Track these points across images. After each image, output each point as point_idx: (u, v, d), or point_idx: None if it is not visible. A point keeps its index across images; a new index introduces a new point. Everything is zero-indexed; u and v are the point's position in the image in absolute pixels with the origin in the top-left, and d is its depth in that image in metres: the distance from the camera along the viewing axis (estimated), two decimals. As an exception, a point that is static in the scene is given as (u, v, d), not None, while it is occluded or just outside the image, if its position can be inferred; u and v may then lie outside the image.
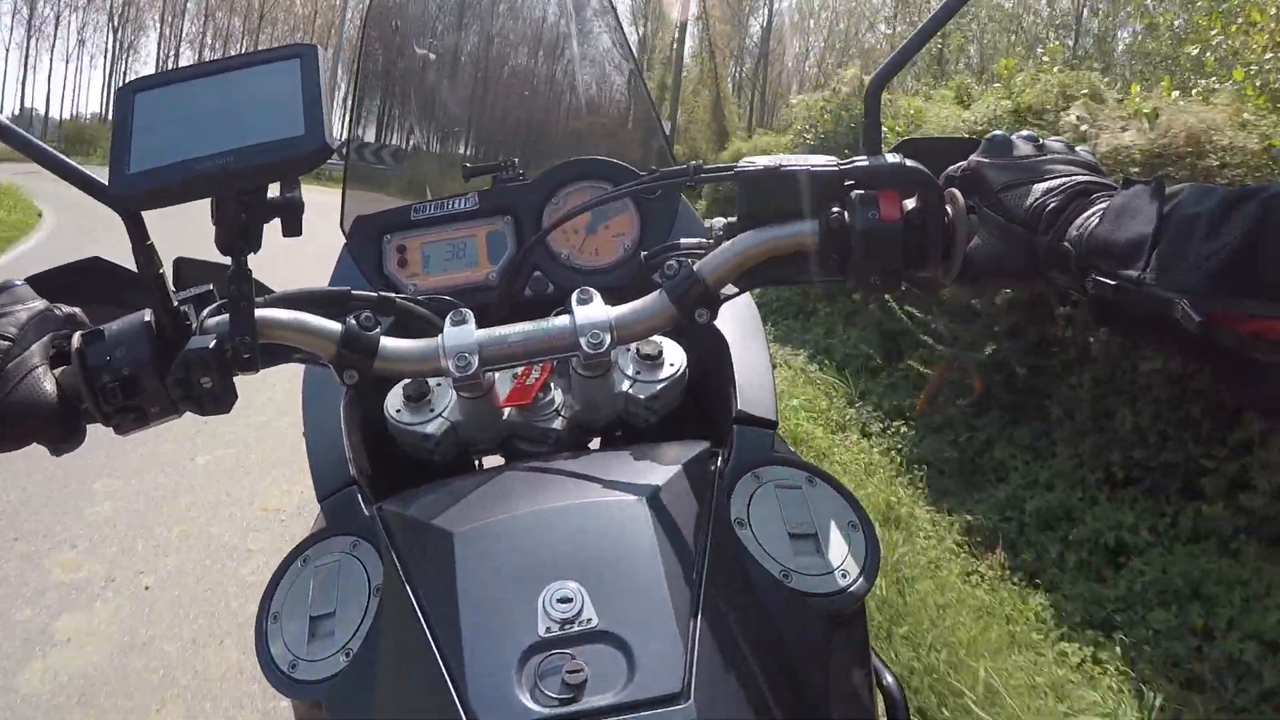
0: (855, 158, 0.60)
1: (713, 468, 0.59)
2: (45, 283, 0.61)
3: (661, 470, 0.57)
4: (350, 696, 0.52)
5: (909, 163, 0.58)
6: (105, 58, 41.75)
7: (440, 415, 0.70)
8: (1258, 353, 0.44)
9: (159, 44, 40.98)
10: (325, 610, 0.56)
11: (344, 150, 1.16)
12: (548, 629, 0.45)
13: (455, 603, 0.47)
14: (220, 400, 0.56)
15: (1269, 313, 0.43)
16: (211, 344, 0.54)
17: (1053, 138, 0.60)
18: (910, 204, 0.58)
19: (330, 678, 0.53)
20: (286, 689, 0.54)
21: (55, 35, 42.73)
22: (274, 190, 0.55)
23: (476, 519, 0.53)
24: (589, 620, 0.45)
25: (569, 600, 0.46)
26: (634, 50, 1.23)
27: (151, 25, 41.52)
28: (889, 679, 0.81)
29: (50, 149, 0.54)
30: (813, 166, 0.61)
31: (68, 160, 0.54)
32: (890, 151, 0.60)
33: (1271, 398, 0.47)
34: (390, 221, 0.92)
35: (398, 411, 0.71)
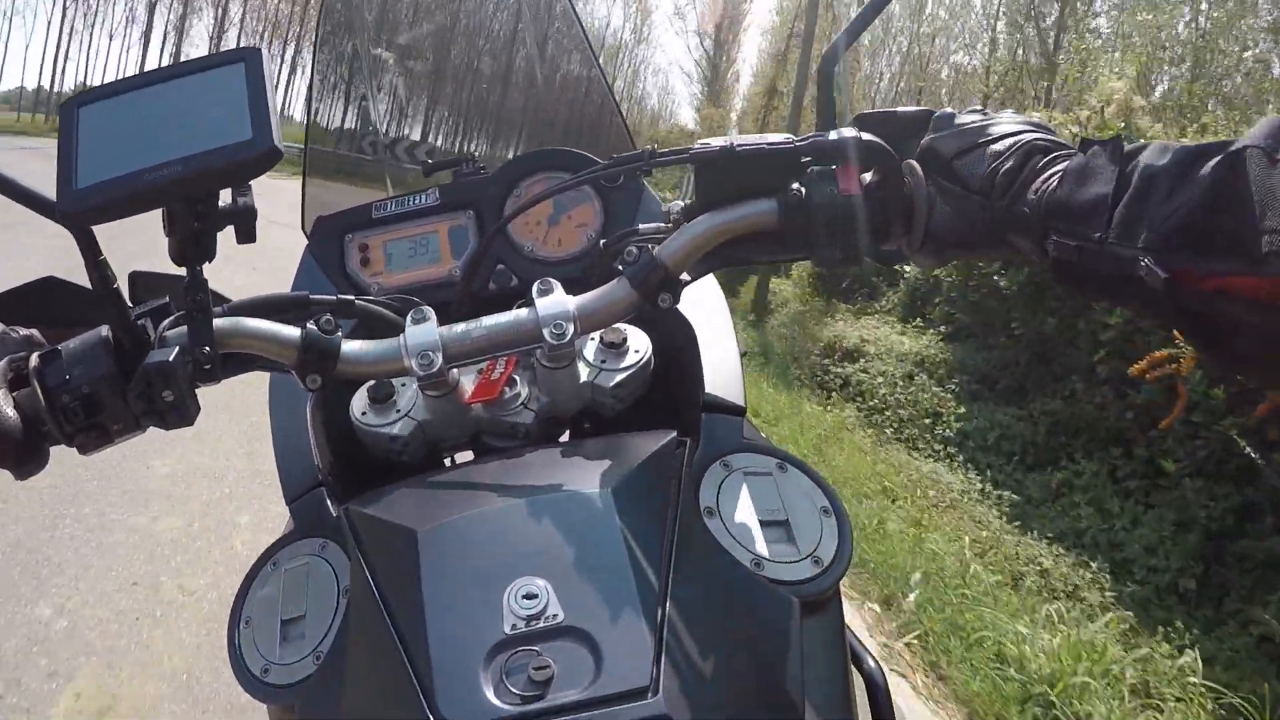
0: (810, 134, 0.60)
1: (680, 457, 0.59)
2: None
3: (627, 461, 0.57)
4: (321, 699, 0.52)
5: (865, 136, 0.58)
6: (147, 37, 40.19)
7: (406, 415, 0.70)
8: (1224, 308, 0.44)
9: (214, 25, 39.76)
10: (296, 613, 0.57)
11: (304, 151, 1.15)
12: (513, 626, 0.45)
13: (420, 602, 0.47)
14: (183, 413, 0.56)
15: (1231, 269, 0.43)
16: (171, 357, 0.54)
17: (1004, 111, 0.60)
18: (869, 178, 0.59)
19: (302, 681, 0.54)
20: (259, 693, 0.55)
21: (100, 11, 41.47)
22: (225, 198, 0.55)
23: (441, 517, 0.53)
24: (555, 616, 0.45)
25: (534, 596, 0.46)
26: (590, 39, 1.23)
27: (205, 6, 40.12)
28: (870, 663, 0.81)
29: None
30: (767, 144, 0.60)
31: (12, 178, 0.54)
32: (846, 126, 0.60)
33: (1241, 353, 0.47)
34: (351, 220, 0.91)
35: (363, 414, 0.71)
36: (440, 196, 0.93)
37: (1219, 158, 0.44)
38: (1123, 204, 0.47)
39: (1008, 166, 0.53)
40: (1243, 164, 0.43)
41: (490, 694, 0.42)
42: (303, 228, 1.04)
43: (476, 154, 1.04)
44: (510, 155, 1.12)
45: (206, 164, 0.48)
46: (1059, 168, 0.51)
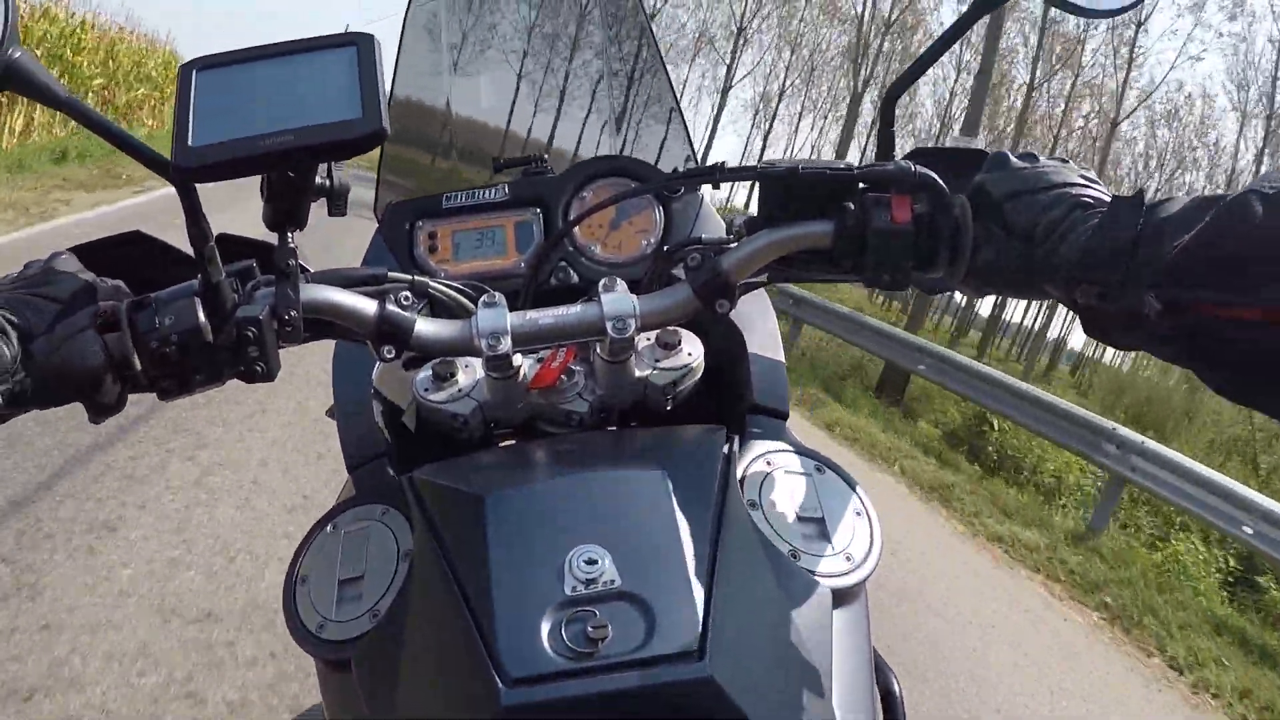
0: (869, 164, 0.63)
1: (727, 451, 0.61)
2: (88, 254, 0.63)
3: (679, 449, 0.59)
4: (377, 655, 0.54)
5: (919, 168, 0.61)
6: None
7: (468, 395, 0.72)
8: (1220, 333, 0.48)
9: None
10: (354, 574, 0.59)
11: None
12: (573, 588, 0.47)
13: (486, 564, 0.49)
14: (265, 370, 0.58)
15: (1224, 298, 0.46)
16: (260, 313, 0.57)
17: (1046, 157, 0.62)
18: (920, 208, 0.61)
19: (358, 638, 0.56)
20: (314, 648, 0.57)
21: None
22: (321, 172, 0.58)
23: (506, 486, 0.55)
24: (612, 581, 0.48)
25: (594, 561, 0.48)
26: (661, 52, 1.26)
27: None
28: (888, 674, 0.82)
29: (112, 124, 0.57)
30: (829, 169, 0.64)
31: (130, 135, 0.57)
32: (903, 159, 0.63)
33: (1240, 379, 0.50)
34: (422, 209, 0.95)
35: (426, 390, 0.73)
36: (509, 192, 0.96)
37: (1226, 201, 0.47)
38: (1139, 249, 0.50)
39: (1051, 217, 0.56)
40: (1244, 205, 0.46)
41: (549, 649, 0.45)
42: (375, 213, 1.08)
43: (544, 155, 1.08)
44: (576, 158, 1.15)
45: (316, 137, 0.51)
46: (1093, 222, 0.54)
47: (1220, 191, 0.51)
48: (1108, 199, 0.56)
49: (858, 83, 27.05)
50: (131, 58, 13.55)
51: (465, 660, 0.46)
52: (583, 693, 0.43)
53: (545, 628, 0.46)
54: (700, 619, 0.46)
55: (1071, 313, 0.58)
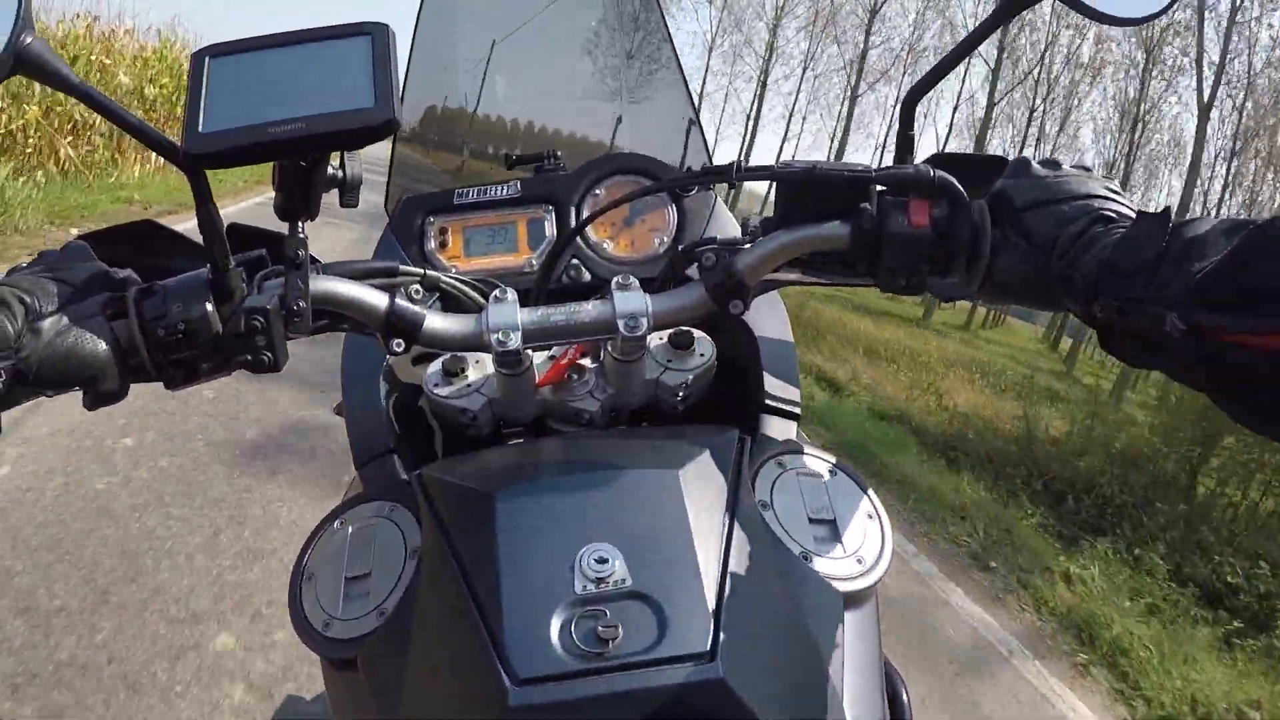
0: (887, 166, 0.63)
1: (740, 451, 0.61)
2: (100, 242, 0.63)
3: (691, 449, 0.58)
4: (384, 654, 0.53)
5: (939, 173, 0.60)
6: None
7: (477, 391, 0.72)
8: (1241, 360, 0.47)
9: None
10: (360, 571, 0.58)
11: (393, 135, 1.19)
12: (584, 587, 0.47)
13: (495, 562, 0.49)
14: (272, 360, 0.58)
15: (1248, 325, 0.45)
16: (269, 303, 0.56)
17: (1071, 165, 0.62)
18: (938, 213, 0.60)
19: (364, 636, 0.55)
20: (320, 647, 0.56)
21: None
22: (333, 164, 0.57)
23: (516, 484, 0.55)
24: (623, 580, 0.47)
25: (605, 560, 0.48)
26: (676, 51, 1.25)
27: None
28: (896, 680, 0.81)
29: (124, 110, 0.57)
30: (847, 171, 0.63)
31: (142, 122, 0.56)
32: (922, 162, 0.62)
33: (1261, 407, 0.49)
34: (434, 204, 0.94)
35: (436, 385, 0.73)
36: (522, 189, 0.95)
37: (1257, 225, 0.46)
38: (1162, 266, 0.49)
39: (1071, 230, 0.55)
40: (1276, 230, 0.45)
41: (558, 648, 0.45)
42: (385, 207, 1.08)
43: (558, 152, 1.07)
44: (589, 156, 1.14)
45: (328, 125, 0.50)
46: (1115, 236, 0.53)
47: (1248, 216, 0.50)
48: (1132, 214, 0.55)
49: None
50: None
51: (473, 659, 0.46)
52: (592, 693, 0.43)
53: (555, 627, 0.46)
54: (712, 620, 0.46)
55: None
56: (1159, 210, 0.52)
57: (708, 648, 0.44)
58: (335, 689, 0.59)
